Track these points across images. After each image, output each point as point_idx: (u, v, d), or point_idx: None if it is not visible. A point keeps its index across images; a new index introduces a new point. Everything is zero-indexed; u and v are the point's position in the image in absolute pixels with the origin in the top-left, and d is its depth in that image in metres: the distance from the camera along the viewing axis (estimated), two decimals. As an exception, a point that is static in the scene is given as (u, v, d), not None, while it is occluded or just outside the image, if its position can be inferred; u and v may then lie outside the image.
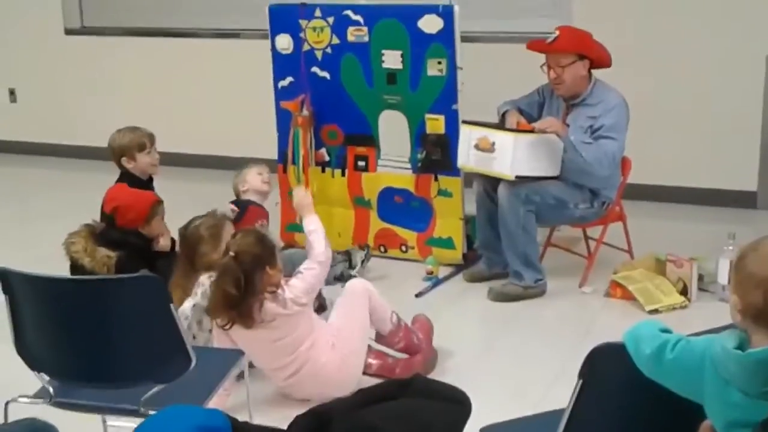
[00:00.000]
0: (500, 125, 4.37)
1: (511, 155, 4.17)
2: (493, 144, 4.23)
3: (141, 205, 4.08)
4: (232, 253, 3.20)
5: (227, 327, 3.23)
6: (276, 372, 3.40)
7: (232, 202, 4.48)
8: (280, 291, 3.25)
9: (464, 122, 4.43)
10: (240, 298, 3.17)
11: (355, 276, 4.50)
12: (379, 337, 3.65)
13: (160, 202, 4.15)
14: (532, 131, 4.23)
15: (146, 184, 4.35)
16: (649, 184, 5.41)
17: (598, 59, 4.30)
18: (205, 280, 3.48)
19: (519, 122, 4.31)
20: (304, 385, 3.35)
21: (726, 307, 1.93)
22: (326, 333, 3.43)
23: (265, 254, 3.24)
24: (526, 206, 4.21)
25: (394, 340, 3.63)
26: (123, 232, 4.00)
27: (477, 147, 4.30)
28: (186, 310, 3.45)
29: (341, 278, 4.53)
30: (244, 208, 4.41)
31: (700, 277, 4.27)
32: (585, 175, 4.22)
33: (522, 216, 4.22)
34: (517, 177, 4.18)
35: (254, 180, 4.54)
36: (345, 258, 4.63)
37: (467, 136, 4.36)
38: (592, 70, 4.33)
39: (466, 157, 4.37)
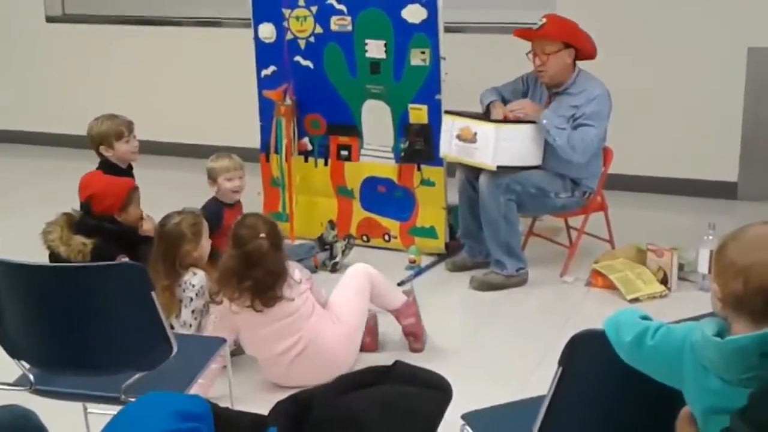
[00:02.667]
0: (482, 116, 4.38)
1: (493, 145, 4.18)
2: (475, 134, 4.24)
3: (116, 191, 4.06)
4: (263, 235, 3.26)
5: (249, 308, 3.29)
6: (279, 358, 3.40)
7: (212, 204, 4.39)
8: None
9: (446, 112, 4.44)
10: (278, 278, 3.27)
11: (335, 264, 4.53)
12: (393, 311, 3.73)
13: (135, 188, 4.13)
14: (514, 121, 4.24)
15: (126, 172, 4.33)
16: (630, 174, 5.44)
17: (584, 49, 4.31)
18: (194, 280, 3.49)
19: (506, 116, 4.32)
20: (307, 368, 3.36)
21: (705, 296, 1.94)
22: (326, 312, 3.49)
23: (281, 238, 3.39)
24: (507, 195, 4.22)
25: (406, 313, 3.73)
26: (98, 219, 3.99)
27: (459, 137, 4.31)
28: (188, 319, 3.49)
29: (324, 267, 4.57)
30: (219, 212, 4.27)
31: (681, 267, 4.30)
32: (562, 161, 4.23)
33: (503, 205, 4.23)
34: (498, 167, 4.19)
35: (223, 185, 4.34)
36: (317, 245, 4.64)
37: (449, 126, 4.37)
38: (577, 61, 4.34)
39: (448, 147, 4.38)
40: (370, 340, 3.70)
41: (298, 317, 3.37)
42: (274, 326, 3.35)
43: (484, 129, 4.23)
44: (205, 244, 3.63)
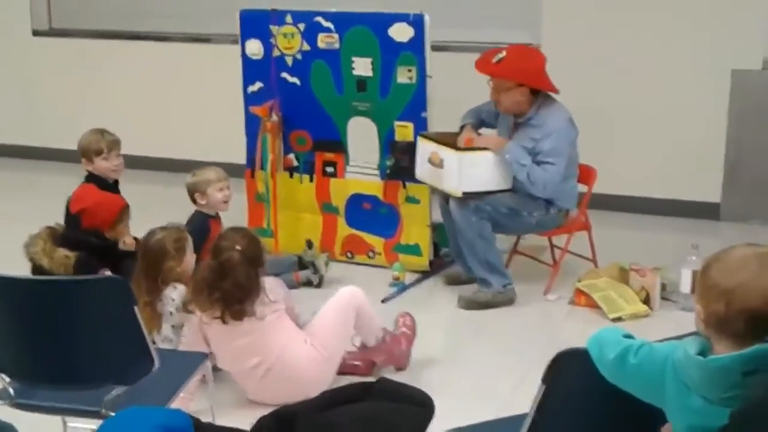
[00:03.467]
0: (453, 139, 4.38)
1: (458, 173, 4.21)
2: (442, 160, 4.28)
3: (110, 208, 4.06)
4: (238, 248, 3.25)
5: (217, 319, 3.28)
6: (248, 373, 3.38)
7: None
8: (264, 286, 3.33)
9: (420, 135, 4.47)
10: (247, 292, 3.25)
11: (319, 280, 4.52)
12: (363, 348, 3.67)
13: (127, 206, 4.12)
14: (478, 148, 4.25)
15: (112, 186, 4.32)
16: (614, 194, 5.46)
17: (540, 89, 4.29)
18: (174, 294, 3.48)
19: (467, 140, 4.33)
20: (276, 386, 3.33)
21: (687, 316, 1.95)
22: (300, 334, 3.44)
23: (260, 254, 3.36)
24: (478, 215, 4.23)
25: (377, 353, 3.67)
26: (83, 233, 3.97)
27: (430, 161, 4.34)
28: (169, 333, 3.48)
29: (309, 284, 4.56)
30: (206, 225, 4.26)
31: (663, 287, 4.31)
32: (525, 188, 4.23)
33: (475, 224, 4.24)
34: (464, 193, 4.20)
35: (215, 196, 4.32)
36: (296, 262, 4.63)
37: (423, 149, 4.40)
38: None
39: (422, 171, 4.41)
40: (365, 366, 3.66)
41: (267, 335, 3.34)
42: (242, 341, 3.32)
43: (449, 156, 4.26)
44: (190, 259, 3.61)
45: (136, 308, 2.52)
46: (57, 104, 6.95)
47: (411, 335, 3.76)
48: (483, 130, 4.59)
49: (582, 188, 4.50)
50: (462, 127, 4.47)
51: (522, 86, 4.25)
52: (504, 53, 4.27)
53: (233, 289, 3.26)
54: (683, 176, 5.55)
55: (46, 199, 4.54)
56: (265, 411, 2.18)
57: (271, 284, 3.39)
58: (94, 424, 2.15)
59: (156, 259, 3.52)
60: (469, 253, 4.33)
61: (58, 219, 4.09)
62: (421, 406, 2.08)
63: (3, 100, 7.20)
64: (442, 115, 4.59)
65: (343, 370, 3.57)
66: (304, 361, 3.38)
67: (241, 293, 3.26)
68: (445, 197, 4.44)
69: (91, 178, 4.25)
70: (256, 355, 3.34)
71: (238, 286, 3.26)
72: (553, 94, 4.32)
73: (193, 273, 3.46)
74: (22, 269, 3.77)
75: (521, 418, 2.10)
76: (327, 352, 3.44)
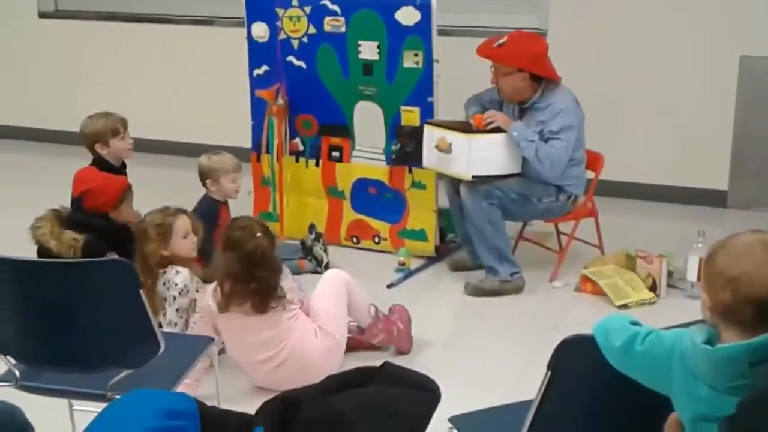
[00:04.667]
0: (460, 125, 4.37)
1: (467, 156, 4.19)
2: (451, 145, 4.26)
3: (112, 189, 4.05)
4: (259, 235, 3.26)
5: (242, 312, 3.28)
6: (258, 365, 3.39)
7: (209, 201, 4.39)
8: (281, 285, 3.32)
9: (427, 122, 4.46)
10: (273, 280, 3.25)
11: (325, 266, 4.52)
12: (359, 331, 3.67)
13: (130, 187, 4.12)
14: (488, 131, 4.23)
15: (119, 170, 4.31)
16: (621, 181, 5.45)
17: (540, 74, 4.26)
18: (177, 279, 3.47)
19: (475, 118, 4.30)
20: (285, 376, 3.32)
21: (694, 303, 1.95)
22: (310, 324, 3.44)
23: (275, 240, 3.37)
24: (488, 200, 4.22)
25: (373, 332, 3.66)
26: (89, 216, 3.97)
27: (437, 147, 4.32)
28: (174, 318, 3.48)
29: (316, 272, 4.52)
30: (215, 210, 4.26)
31: (670, 274, 4.30)
32: (533, 171, 4.22)
33: (486, 210, 4.22)
34: (474, 177, 4.19)
35: (227, 186, 4.31)
36: (301, 249, 4.62)
37: (429, 136, 4.38)
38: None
39: (429, 158, 4.39)
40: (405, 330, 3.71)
41: (282, 334, 3.34)
42: (260, 335, 3.32)
43: (458, 139, 4.23)
44: (181, 243, 3.57)
45: (141, 291, 2.51)
46: (62, 86, 6.95)
47: (405, 314, 3.77)
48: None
49: (589, 174, 4.48)
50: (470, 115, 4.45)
51: (522, 71, 4.22)
52: (505, 38, 4.27)
53: (270, 276, 3.26)
54: (690, 163, 5.53)
55: (52, 181, 4.55)
56: (271, 395, 2.18)
57: (287, 284, 3.36)
58: (100, 406, 2.15)
59: (140, 241, 3.55)
60: (478, 240, 4.32)
61: (64, 202, 4.09)
62: (426, 392, 2.08)
63: (8, 82, 7.20)
64: (447, 100, 4.56)
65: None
66: (315, 355, 3.38)
67: (277, 278, 3.27)
68: (454, 185, 4.43)
69: (98, 162, 4.24)
70: (269, 351, 3.35)
71: (273, 271, 3.27)
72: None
73: (216, 270, 3.40)
74: (27, 251, 3.77)
75: (526, 404, 2.10)
76: (335, 337, 3.45)
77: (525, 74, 4.23)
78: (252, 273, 3.25)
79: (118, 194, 4.03)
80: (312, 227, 4.74)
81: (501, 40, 4.27)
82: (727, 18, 5.29)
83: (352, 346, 3.64)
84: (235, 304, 3.28)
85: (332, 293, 3.53)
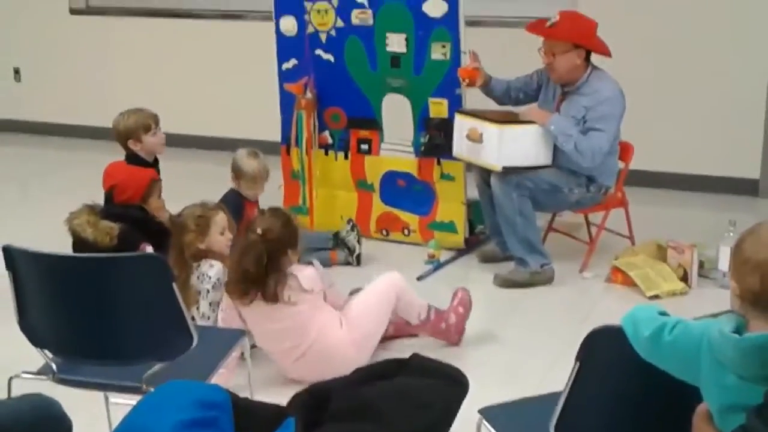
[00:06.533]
0: (491, 115, 4.36)
1: (498, 146, 4.18)
2: (482, 135, 4.25)
3: (138, 182, 4.10)
4: (259, 231, 3.26)
5: (247, 303, 3.29)
6: (283, 354, 3.42)
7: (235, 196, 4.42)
8: (297, 274, 3.31)
9: (458, 112, 4.45)
10: (258, 277, 3.25)
11: (356, 257, 4.55)
12: (406, 324, 3.70)
13: (157, 179, 4.16)
14: (519, 122, 4.23)
15: (152, 165, 4.36)
16: (651, 170, 5.42)
17: (595, 50, 4.25)
18: (210, 272, 3.52)
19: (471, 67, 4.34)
20: (311, 367, 3.34)
21: (725, 293, 1.94)
22: (335, 315, 3.46)
23: (290, 237, 3.33)
24: (519, 191, 4.21)
25: (419, 329, 3.70)
26: (124, 207, 4.02)
27: (468, 137, 4.31)
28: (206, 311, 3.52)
29: (349, 264, 4.57)
30: (240, 204, 4.30)
31: (701, 264, 4.28)
32: (571, 163, 4.21)
33: (516, 201, 4.22)
34: (504, 168, 4.18)
35: (252, 188, 4.41)
36: (333, 239, 4.62)
37: (460, 125, 4.38)
38: (593, 57, 4.29)
39: (459, 147, 4.39)
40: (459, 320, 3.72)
41: (301, 322, 3.35)
42: (276, 325, 3.35)
43: (489, 130, 4.22)
44: (218, 238, 3.62)
45: (174, 285, 2.55)
46: (93, 82, 7.02)
47: (463, 312, 3.76)
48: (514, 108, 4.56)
49: (619, 165, 4.46)
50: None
51: (578, 48, 4.19)
52: (558, 17, 4.23)
53: (246, 271, 3.27)
54: (722, 152, 5.49)
55: (84, 176, 4.60)
56: (302, 387, 2.21)
57: (307, 273, 3.37)
58: (135, 399, 2.19)
59: (177, 232, 3.59)
60: (508, 231, 4.31)
61: (95, 197, 4.14)
62: (454, 384, 2.09)
63: (41, 79, 7.28)
64: (476, 91, 4.56)
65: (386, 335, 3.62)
66: (340, 345, 3.39)
67: (253, 276, 3.26)
68: (484, 175, 4.43)
69: (130, 158, 4.29)
70: (290, 340, 3.37)
71: (254, 266, 3.26)
72: None
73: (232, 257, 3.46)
74: (61, 245, 3.81)
75: (555, 396, 2.11)
76: (360, 334, 3.45)
77: (582, 51, 4.20)
78: (241, 261, 3.28)
79: (144, 187, 4.08)
80: (350, 221, 4.74)
81: (553, 19, 4.23)
82: (759, 4, 5.23)
83: (396, 335, 3.68)
84: (228, 291, 3.35)
85: (377, 296, 3.55)
